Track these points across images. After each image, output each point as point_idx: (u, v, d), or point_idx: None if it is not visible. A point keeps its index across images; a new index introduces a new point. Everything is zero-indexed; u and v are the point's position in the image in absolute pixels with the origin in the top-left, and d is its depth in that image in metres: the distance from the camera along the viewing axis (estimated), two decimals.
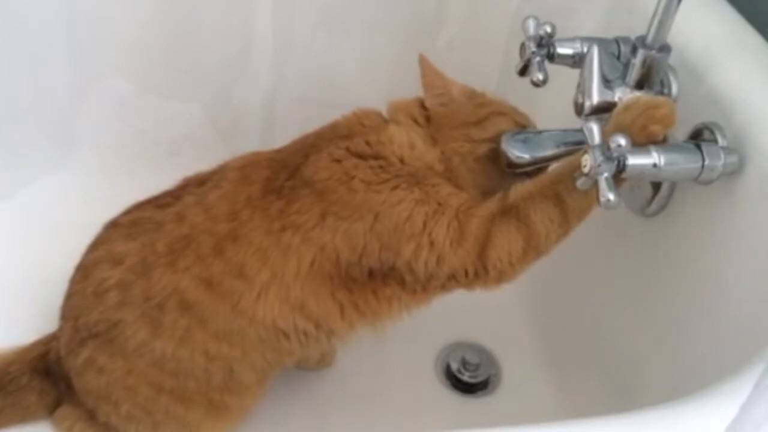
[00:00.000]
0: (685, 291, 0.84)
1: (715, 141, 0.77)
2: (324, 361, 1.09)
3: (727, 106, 0.77)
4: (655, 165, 0.72)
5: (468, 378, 1.09)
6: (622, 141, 0.68)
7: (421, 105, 0.87)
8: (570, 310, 1.07)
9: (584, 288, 1.04)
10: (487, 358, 1.12)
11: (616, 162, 0.71)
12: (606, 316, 0.99)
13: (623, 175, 0.72)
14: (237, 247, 0.80)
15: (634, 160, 0.71)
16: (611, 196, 0.70)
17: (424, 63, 0.89)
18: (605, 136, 0.72)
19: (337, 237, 0.78)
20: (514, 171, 0.86)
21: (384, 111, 0.88)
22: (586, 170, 0.71)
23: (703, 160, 0.74)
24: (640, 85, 0.80)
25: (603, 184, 0.70)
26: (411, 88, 0.88)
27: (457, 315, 1.00)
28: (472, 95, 0.89)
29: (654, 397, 0.85)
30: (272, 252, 0.79)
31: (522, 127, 0.88)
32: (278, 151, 0.87)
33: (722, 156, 0.74)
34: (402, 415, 1.03)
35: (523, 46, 0.86)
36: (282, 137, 0.89)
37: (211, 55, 1.19)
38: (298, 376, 1.06)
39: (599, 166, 0.70)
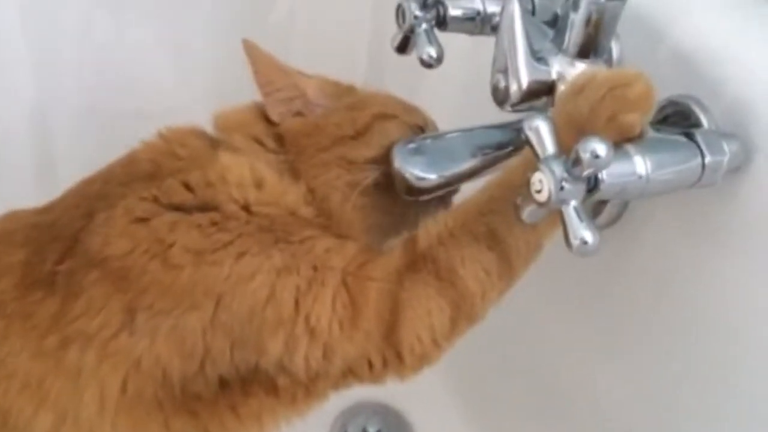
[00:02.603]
0: (659, 330, 0.64)
1: (699, 124, 0.53)
2: None
3: (707, 68, 0.55)
4: (640, 176, 0.47)
5: None
6: (601, 149, 0.42)
7: (265, 117, 0.62)
8: (500, 354, 0.85)
9: (517, 326, 0.80)
10: (394, 422, 0.93)
11: (585, 181, 0.45)
12: (552, 361, 0.78)
13: (595, 197, 0.47)
14: None
15: (610, 173, 0.46)
16: (588, 235, 0.45)
17: (252, 52, 0.62)
18: (562, 137, 0.47)
19: (159, 342, 0.54)
20: (416, 198, 0.60)
21: (210, 128, 0.63)
22: (542, 199, 0.45)
23: (702, 155, 0.50)
24: (583, 53, 0.55)
25: (572, 218, 0.45)
26: (247, 86, 0.63)
27: None
28: (336, 92, 0.64)
29: None
30: (53, 382, 0.54)
31: (418, 130, 0.63)
32: (43, 210, 0.60)
33: (725, 146, 0.50)
34: None
35: (401, 10, 0.63)
36: (68, 173, 0.63)
37: None
38: None
39: (562, 190, 0.44)
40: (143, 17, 0.93)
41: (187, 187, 0.56)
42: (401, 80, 0.70)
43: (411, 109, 0.66)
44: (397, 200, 0.61)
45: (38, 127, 0.93)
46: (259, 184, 0.57)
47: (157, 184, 0.56)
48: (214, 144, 0.61)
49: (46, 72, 0.91)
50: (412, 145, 0.60)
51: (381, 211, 0.61)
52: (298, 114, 0.62)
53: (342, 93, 0.64)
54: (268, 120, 0.62)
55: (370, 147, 0.61)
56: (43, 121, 0.93)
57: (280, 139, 0.62)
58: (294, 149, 0.61)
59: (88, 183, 0.59)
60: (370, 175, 0.59)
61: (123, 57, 0.94)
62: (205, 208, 0.55)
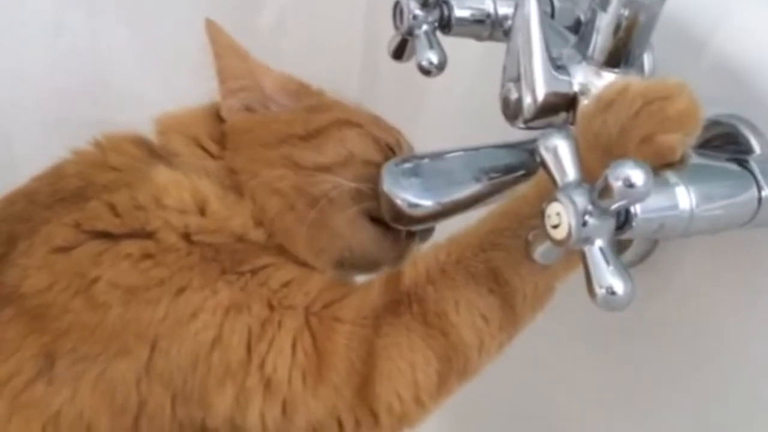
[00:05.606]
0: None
1: (749, 150, 0.44)
2: None
3: (758, 82, 0.46)
4: (683, 211, 0.38)
5: None
6: (638, 176, 0.34)
7: (216, 117, 0.56)
8: (507, 402, 0.76)
9: (526, 371, 0.71)
10: None
11: (615, 216, 0.36)
12: (565, 412, 0.69)
13: (625, 235, 0.38)
14: None
15: (646, 207, 0.37)
16: (617, 284, 0.36)
17: (214, 34, 0.55)
18: (585, 160, 0.39)
19: (83, 393, 0.46)
20: (407, 228, 0.52)
21: (155, 134, 0.56)
22: (560, 236, 0.37)
23: (759, 187, 0.42)
24: (612, 61, 0.46)
25: (598, 261, 0.37)
26: None
27: None
28: (298, 92, 0.57)
29: None
30: None
31: (388, 151, 0.56)
32: None
33: None
34: None
35: (398, 10, 0.56)
36: None
37: None
38: None
39: (585, 226, 0.36)
40: (120, 18, 0.86)
41: (113, 210, 0.48)
42: (397, 90, 0.62)
43: (385, 127, 0.58)
44: (371, 228, 0.53)
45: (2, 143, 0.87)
46: (201, 210, 0.50)
47: (82, 205, 0.48)
48: (153, 153, 0.53)
49: (9, 77, 0.84)
50: (406, 165, 0.52)
51: (343, 237, 0.54)
52: (248, 109, 0.55)
53: (306, 94, 0.57)
54: (219, 119, 0.55)
55: (321, 152, 0.53)
56: (4, 132, 0.86)
57: (223, 140, 0.54)
58: (233, 146, 0.53)
59: (9, 202, 0.51)
60: (318, 185, 0.52)
61: (97, 61, 0.87)
62: (135, 235, 0.47)
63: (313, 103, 0.56)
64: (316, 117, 0.55)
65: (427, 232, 0.56)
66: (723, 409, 0.53)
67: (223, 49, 0.55)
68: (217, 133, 0.54)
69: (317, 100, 0.57)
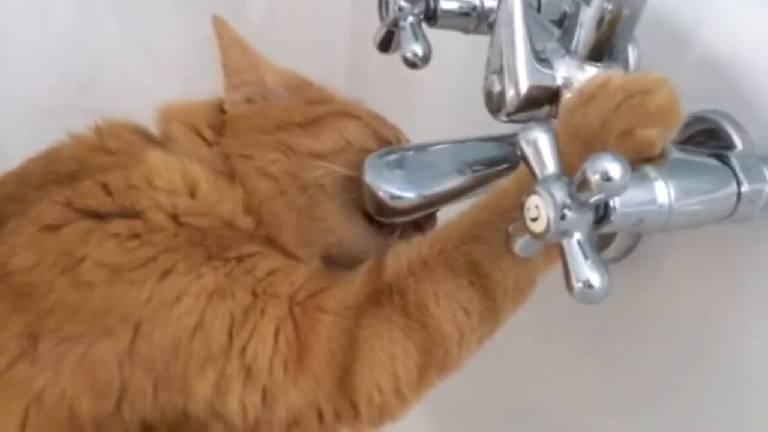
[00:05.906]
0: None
1: (731, 146, 0.45)
2: None
3: (742, 79, 0.46)
4: (661, 205, 0.38)
5: None
6: (615, 169, 0.34)
7: (220, 109, 0.57)
8: (495, 398, 0.76)
9: (513, 367, 0.72)
10: None
11: (593, 209, 0.36)
12: (553, 406, 0.69)
13: (604, 229, 0.38)
14: None
15: (625, 201, 0.37)
16: (594, 277, 0.36)
17: (220, 30, 0.56)
18: (566, 154, 0.38)
19: (65, 374, 0.46)
20: (389, 220, 0.52)
21: (155, 122, 0.57)
22: (539, 229, 0.37)
23: (738, 183, 0.42)
24: (595, 55, 0.46)
25: (575, 255, 0.37)
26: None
27: None
28: (299, 86, 0.58)
29: None
30: None
31: (385, 143, 0.56)
32: None
33: (766, 172, 0.42)
34: None
35: (384, 1, 0.56)
36: None
37: None
38: None
39: (564, 219, 0.36)
40: (109, 6, 0.86)
41: (106, 189, 0.48)
42: (385, 84, 0.62)
43: (385, 123, 0.58)
44: (358, 219, 0.53)
45: None
46: (191, 192, 0.50)
47: (75, 185, 0.48)
48: (150, 140, 0.54)
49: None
50: (391, 157, 0.51)
51: (332, 228, 0.54)
52: (249, 101, 0.55)
53: (306, 87, 0.58)
54: (222, 110, 0.56)
55: (318, 140, 0.53)
56: None
57: (221, 128, 0.55)
58: (231, 133, 0.54)
59: (1, 183, 0.51)
60: (313, 172, 0.52)
61: (86, 49, 0.87)
62: (124, 214, 0.47)
63: (312, 96, 0.57)
64: (315, 107, 0.55)
65: (430, 224, 0.56)
66: (708, 402, 0.53)
67: (229, 44, 0.56)
68: (218, 123, 0.55)
69: (318, 94, 0.58)
